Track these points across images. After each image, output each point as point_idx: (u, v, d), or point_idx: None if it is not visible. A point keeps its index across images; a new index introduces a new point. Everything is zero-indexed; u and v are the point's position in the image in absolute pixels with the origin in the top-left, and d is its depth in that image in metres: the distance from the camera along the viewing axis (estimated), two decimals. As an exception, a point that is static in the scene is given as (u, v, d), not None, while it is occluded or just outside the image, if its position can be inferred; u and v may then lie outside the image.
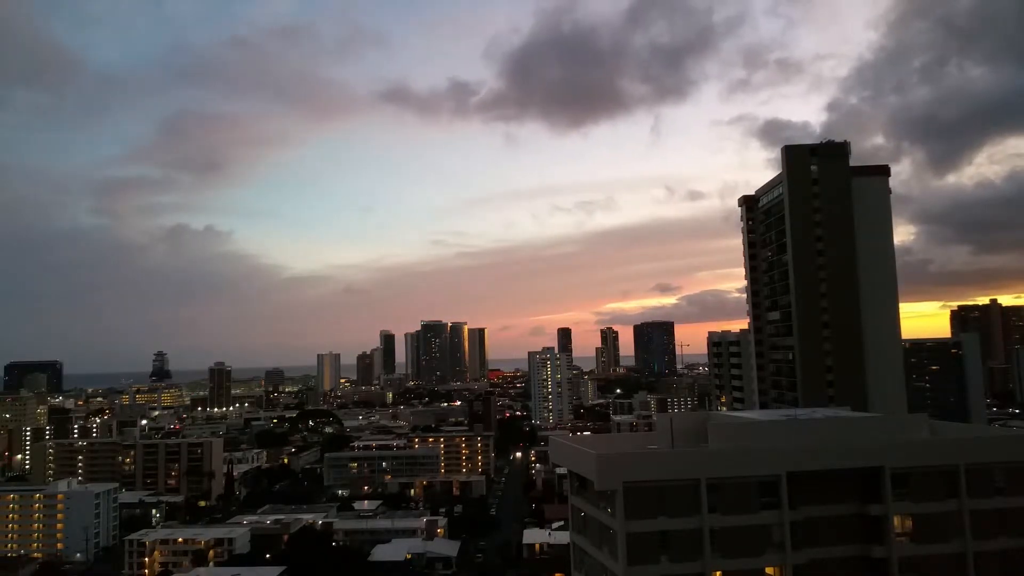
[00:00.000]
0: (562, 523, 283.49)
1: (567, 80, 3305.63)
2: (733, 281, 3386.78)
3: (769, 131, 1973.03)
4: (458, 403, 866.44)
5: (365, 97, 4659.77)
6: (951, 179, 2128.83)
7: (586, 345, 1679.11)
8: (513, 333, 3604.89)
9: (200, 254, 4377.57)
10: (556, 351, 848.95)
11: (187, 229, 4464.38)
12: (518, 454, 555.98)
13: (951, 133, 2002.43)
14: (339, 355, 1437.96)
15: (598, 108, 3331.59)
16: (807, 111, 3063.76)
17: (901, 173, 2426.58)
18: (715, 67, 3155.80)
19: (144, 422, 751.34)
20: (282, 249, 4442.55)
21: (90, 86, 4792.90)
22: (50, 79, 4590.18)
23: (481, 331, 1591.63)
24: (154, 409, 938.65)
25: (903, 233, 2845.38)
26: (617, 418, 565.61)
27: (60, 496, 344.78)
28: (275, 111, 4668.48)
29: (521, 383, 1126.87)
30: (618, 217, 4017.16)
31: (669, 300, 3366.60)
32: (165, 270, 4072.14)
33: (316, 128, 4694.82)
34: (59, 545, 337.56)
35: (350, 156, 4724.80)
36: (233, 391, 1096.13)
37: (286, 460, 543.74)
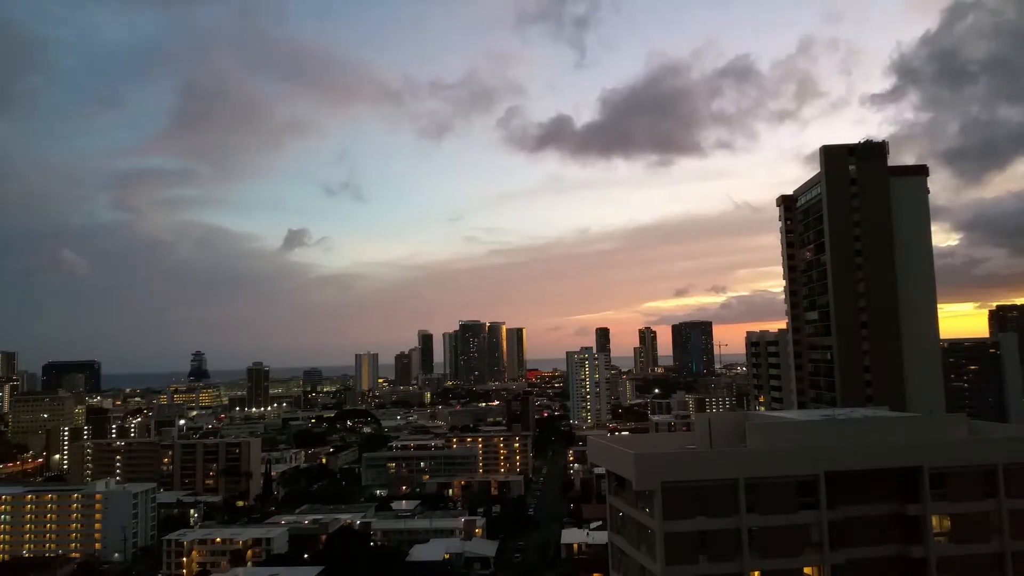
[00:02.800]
0: (600, 523, 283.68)
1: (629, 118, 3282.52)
2: (774, 279, 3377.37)
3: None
4: (496, 403, 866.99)
5: (390, 89, 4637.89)
6: (987, 190, 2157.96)
7: (624, 345, 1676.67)
8: (553, 332, 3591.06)
9: (227, 251, 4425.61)
10: (594, 351, 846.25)
11: (211, 225, 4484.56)
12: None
13: (985, 154, 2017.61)
14: (377, 355, 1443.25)
15: (658, 142, 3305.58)
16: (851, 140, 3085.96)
17: (938, 182, 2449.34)
18: (775, 109, 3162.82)
19: (182, 422, 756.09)
20: (310, 246, 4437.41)
21: (98, 70, 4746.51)
22: (54, 63, 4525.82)
23: (519, 331, 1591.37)
24: (192, 409, 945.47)
25: (939, 236, 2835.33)
26: (655, 418, 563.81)
27: (98, 496, 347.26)
28: (295, 98, 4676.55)
29: (559, 383, 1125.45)
30: (655, 215, 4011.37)
31: (710, 299, 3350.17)
32: (193, 268, 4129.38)
33: (336, 119, 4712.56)
34: (97, 545, 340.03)
35: (372, 149, 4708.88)
36: (271, 391, 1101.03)
37: (324, 460, 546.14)
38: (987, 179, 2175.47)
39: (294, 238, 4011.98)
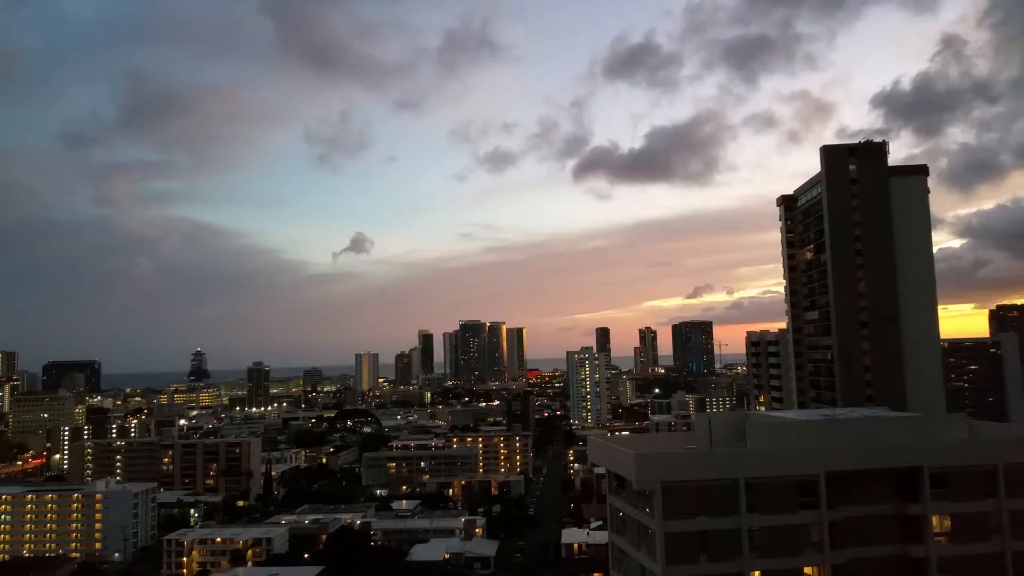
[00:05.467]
0: (600, 523, 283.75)
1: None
2: (775, 277, 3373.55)
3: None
4: (496, 403, 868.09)
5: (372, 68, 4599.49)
6: (985, 201, 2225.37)
7: (625, 345, 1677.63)
8: (552, 332, 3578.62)
9: (218, 248, 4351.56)
10: (594, 351, 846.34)
11: (197, 221, 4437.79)
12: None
13: (982, 170, 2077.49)
14: (377, 355, 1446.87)
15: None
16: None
17: (939, 195, 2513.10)
18: (786, 133, 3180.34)
19: (182, 422, 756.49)
20: (302, 243, 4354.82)
21: (66, 51, 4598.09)
22: (17, 44, 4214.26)
23: (519, 331, 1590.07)
24: (192, 409, 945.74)
25: (939, 238, 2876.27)
26: (655, 418, 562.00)
27: (98, 496, 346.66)
28: (269, 81, 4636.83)
29: (559, 383, 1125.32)
30: (656, 212, 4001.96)
31: (711, 299, 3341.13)
32: (183, 265, 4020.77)
33: (311, 103, 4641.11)
34: (97, 545, 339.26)
35: (359, 137, 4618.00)
36: (271, 391, 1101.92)
37: (324, 460, 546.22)
38: (986, 191, 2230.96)
39: (359, 242, 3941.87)
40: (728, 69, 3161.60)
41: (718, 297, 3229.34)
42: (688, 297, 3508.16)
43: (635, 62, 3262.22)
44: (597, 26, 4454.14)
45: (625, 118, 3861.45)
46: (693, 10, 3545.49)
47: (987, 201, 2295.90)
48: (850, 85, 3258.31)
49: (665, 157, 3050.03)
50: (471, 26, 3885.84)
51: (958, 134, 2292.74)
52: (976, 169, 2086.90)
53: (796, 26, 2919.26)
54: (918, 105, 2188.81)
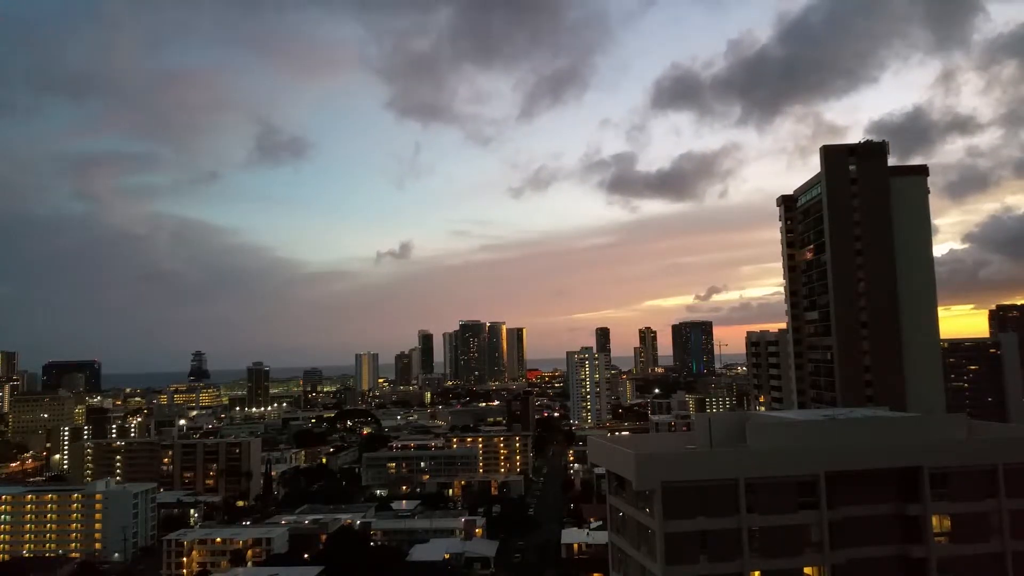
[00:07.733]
0: (600, 523, 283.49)
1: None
2: (776, 276, 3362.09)
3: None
4: (496, 403, 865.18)
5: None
6: (990, 201, 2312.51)
7: (625, 344, 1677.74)
8: (553, 332, 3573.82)
9: (209, 247, 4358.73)
10: (594, 351, 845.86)
11: (184, 217, 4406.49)
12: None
13: (982, 183, 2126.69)
14: (377, 355, 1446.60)
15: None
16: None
17: (941, 202, 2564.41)
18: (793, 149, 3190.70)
19: (182, 422, 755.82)
20: (294, 240, 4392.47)
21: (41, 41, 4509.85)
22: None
23: (519, 331, 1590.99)
24: (192, 409, 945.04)
25: (940, 238, 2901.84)
26: (655, 418, 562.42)
27: (98, 496, 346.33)
28: (254, 70, 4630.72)
29: (559, 383, 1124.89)
30: (659, 210, 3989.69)
31: (714, 298, 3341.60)
32: (183, 265, 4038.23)
33: (297, 87, 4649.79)
34: (97, 545, 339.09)
35: (347, 131, 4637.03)
36: (271, 391, 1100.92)
37: (324, 460, 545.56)
38: (982, 200, 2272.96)
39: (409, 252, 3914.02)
40: (754, 98, 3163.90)
41: (724, 297, 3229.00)
42: (699, 298, 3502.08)
43: (673, 93, 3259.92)
44: (646, 59, 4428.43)
45: (656, 142, 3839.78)
46: (731, 48, 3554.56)
47: (984, 208, 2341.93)
48: (864, 113, 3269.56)
49: (686, 177, 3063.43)
50: (550, 78, 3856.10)
51: (956, 152, 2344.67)
52: (974, 181, 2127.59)
53: (819, 59, 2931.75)
54: (919, 127, 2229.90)
